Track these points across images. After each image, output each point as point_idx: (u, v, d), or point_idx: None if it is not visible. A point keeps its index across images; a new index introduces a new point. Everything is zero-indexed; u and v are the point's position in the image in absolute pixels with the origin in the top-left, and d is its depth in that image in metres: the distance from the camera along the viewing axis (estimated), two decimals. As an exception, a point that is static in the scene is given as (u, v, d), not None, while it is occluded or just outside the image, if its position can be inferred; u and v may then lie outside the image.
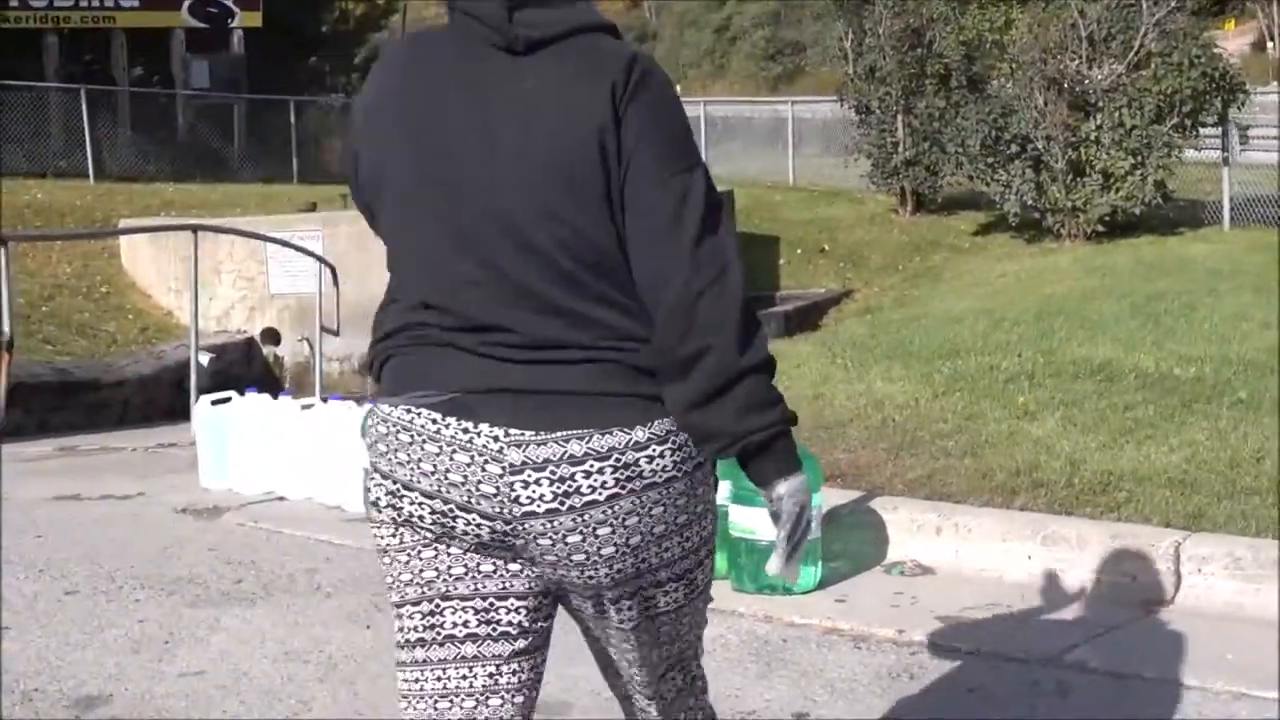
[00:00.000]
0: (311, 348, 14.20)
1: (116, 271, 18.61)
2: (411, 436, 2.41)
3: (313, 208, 19.92)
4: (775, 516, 2.47)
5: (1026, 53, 18.58)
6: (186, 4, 28.90)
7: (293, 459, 7.28)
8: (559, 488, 2.36)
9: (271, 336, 18.00)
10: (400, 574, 2.51)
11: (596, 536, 2.39)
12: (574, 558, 2.41)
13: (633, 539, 2.42)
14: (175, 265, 17.24)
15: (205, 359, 15.94)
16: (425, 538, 2.46)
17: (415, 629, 2.53)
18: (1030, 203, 18.56)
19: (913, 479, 6.72)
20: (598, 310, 2.38)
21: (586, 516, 2.38)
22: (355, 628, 5.21)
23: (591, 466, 2.37)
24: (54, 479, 8.43)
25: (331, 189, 23.45)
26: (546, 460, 2.36)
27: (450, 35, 2.50)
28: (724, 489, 5.54)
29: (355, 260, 17.87)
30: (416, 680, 2.55)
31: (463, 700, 2.53)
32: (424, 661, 2.53)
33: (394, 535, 2.49)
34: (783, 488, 2.45)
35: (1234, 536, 5.40)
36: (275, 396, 7.98)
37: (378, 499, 2.49)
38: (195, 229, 10.98)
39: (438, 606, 2.51)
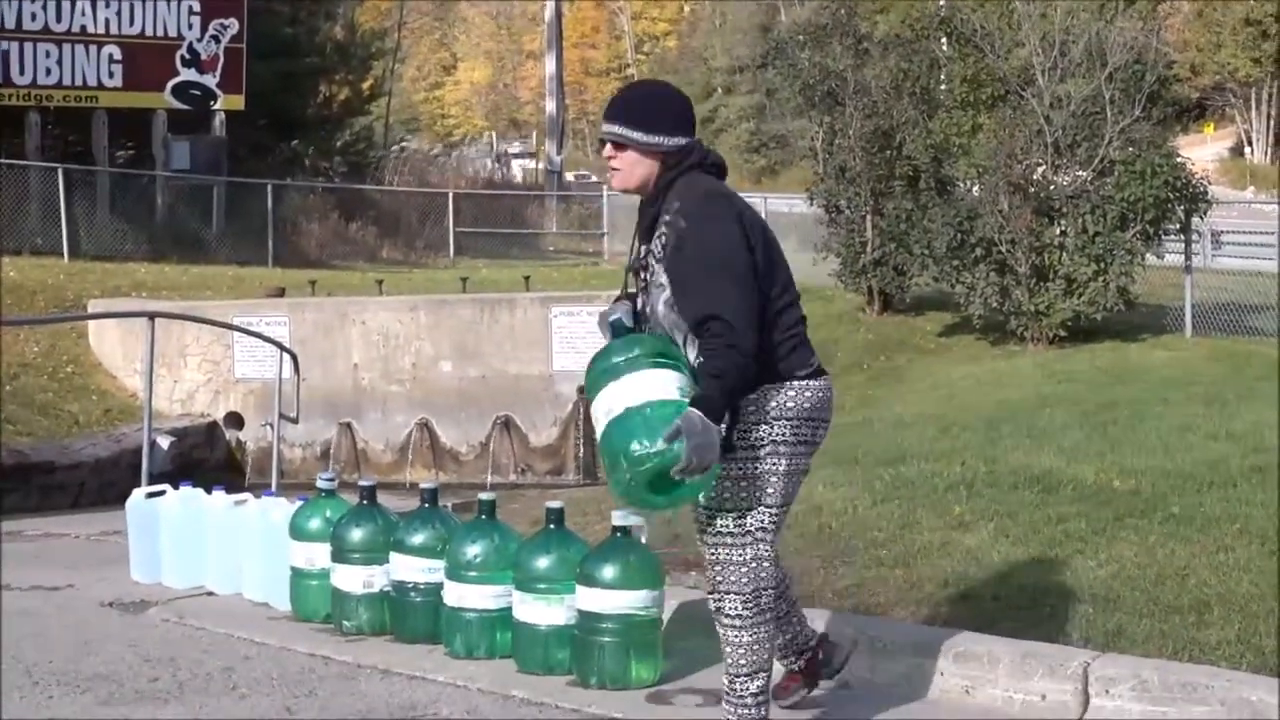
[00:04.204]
0: (272, 434, 14.20)
1: (84, 352, 18.65)
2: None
3: (281, 293, 20.00)
4: None
5: (992, 158, 18.78)
6: (169, 86, 29.05)
7: (222, 554, 7.29)
8: None
9: (235, 421, 18.02)
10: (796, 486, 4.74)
11: None
12: None
13: None
14: (141, 346, 17.29)
15: (166, 443, 15.99)
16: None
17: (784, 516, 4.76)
18: (995, 306, 18.69)
19: (842, 588, 6.75)
20: None
21: None
22: (263, 731, 5.21)
23: None
24: (-12, 566, 8.42)
25: (303, 274, 23.57)
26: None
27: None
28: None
29: (320, 346, 17.97)
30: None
31: None
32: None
33: (808, 459, 4.71)
34: None
35: (1140, 659, 5.42)
36: (232, 484, 8.02)
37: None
38: (152, 316, 10.98)
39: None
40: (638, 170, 4.64)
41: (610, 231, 33.87)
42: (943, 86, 21.97)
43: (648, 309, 4.63)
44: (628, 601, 5.59)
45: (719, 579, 4.65)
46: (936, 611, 6.34)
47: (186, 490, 7.56)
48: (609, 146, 4.66)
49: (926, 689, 5.60)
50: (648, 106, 4.68)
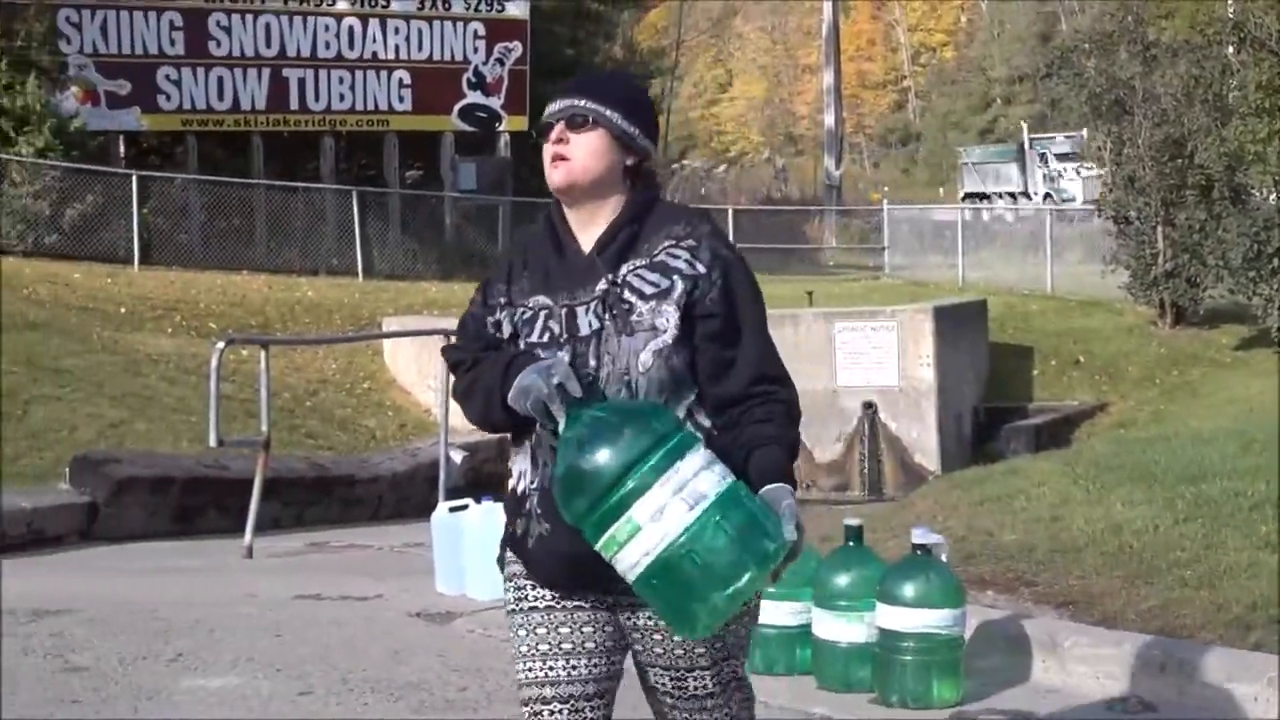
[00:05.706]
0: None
1: (379, 368, 19.23)
2: None
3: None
4: None
5: (1291, 165, 18.18)
6: (456, 108, 29.80)
7: (524, 567, 7.44)
8: None
9: (521, 436, 18.34)
10: None
11: None
12: None
13: None
14: (435, 363, 17.72)
15: (458, 457, 16.35)
16: None
17: None
18: (1294, 318, 18.10)
19: (1146, 609, 6.59)
20: None
21: None
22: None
23: None
24: (299, 576, 8.75)
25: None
26: None
27: None
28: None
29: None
30: None
31: None
32: None
33: None
34: None
35: None
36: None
37: None
38: (447, 334, 11.30)
39: None
40: (599, 163, 3.33)
41: (891, 246, 33.54)
42: (1236, 92, 21.30)
43: (605, 361, 3.21)
44: (929, 620, 5.57)
45: None
46: (1246, 635, 6.14)
47: (488, 504, 7.75)
48: (559, 127, 3.34)
49: (1238, 714, 5.45)
50: (624, 88, 3.48)
